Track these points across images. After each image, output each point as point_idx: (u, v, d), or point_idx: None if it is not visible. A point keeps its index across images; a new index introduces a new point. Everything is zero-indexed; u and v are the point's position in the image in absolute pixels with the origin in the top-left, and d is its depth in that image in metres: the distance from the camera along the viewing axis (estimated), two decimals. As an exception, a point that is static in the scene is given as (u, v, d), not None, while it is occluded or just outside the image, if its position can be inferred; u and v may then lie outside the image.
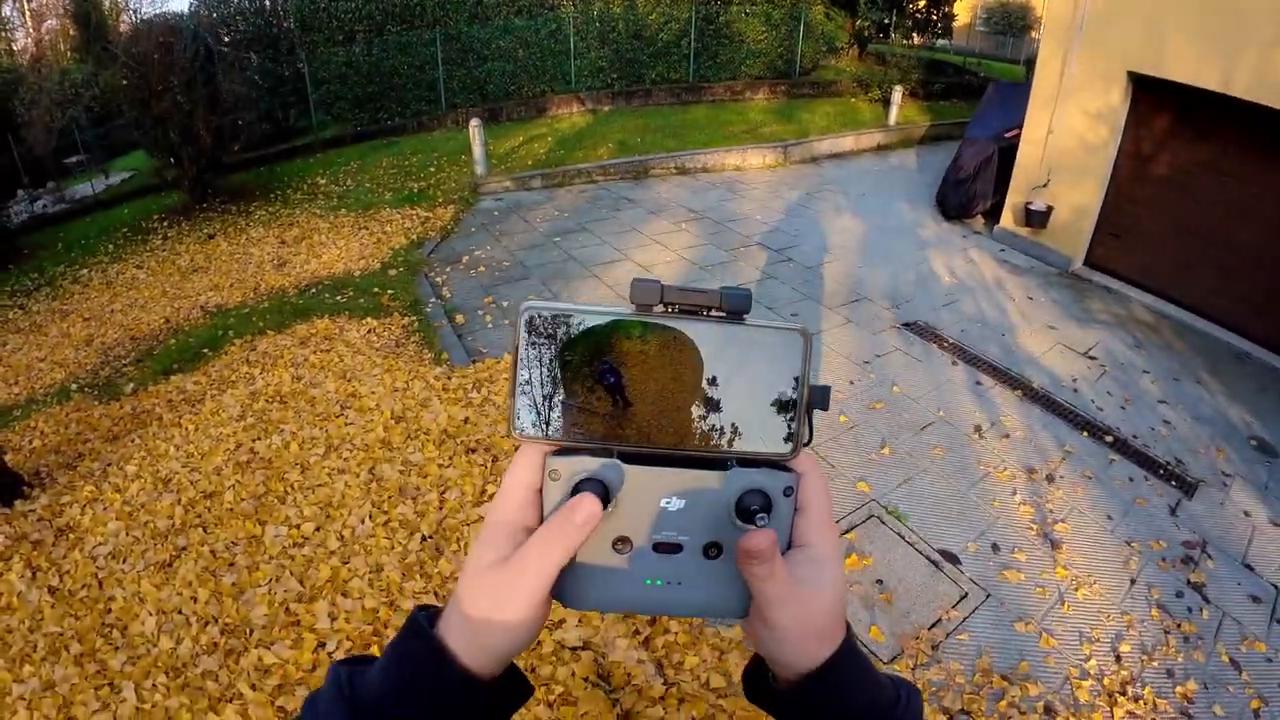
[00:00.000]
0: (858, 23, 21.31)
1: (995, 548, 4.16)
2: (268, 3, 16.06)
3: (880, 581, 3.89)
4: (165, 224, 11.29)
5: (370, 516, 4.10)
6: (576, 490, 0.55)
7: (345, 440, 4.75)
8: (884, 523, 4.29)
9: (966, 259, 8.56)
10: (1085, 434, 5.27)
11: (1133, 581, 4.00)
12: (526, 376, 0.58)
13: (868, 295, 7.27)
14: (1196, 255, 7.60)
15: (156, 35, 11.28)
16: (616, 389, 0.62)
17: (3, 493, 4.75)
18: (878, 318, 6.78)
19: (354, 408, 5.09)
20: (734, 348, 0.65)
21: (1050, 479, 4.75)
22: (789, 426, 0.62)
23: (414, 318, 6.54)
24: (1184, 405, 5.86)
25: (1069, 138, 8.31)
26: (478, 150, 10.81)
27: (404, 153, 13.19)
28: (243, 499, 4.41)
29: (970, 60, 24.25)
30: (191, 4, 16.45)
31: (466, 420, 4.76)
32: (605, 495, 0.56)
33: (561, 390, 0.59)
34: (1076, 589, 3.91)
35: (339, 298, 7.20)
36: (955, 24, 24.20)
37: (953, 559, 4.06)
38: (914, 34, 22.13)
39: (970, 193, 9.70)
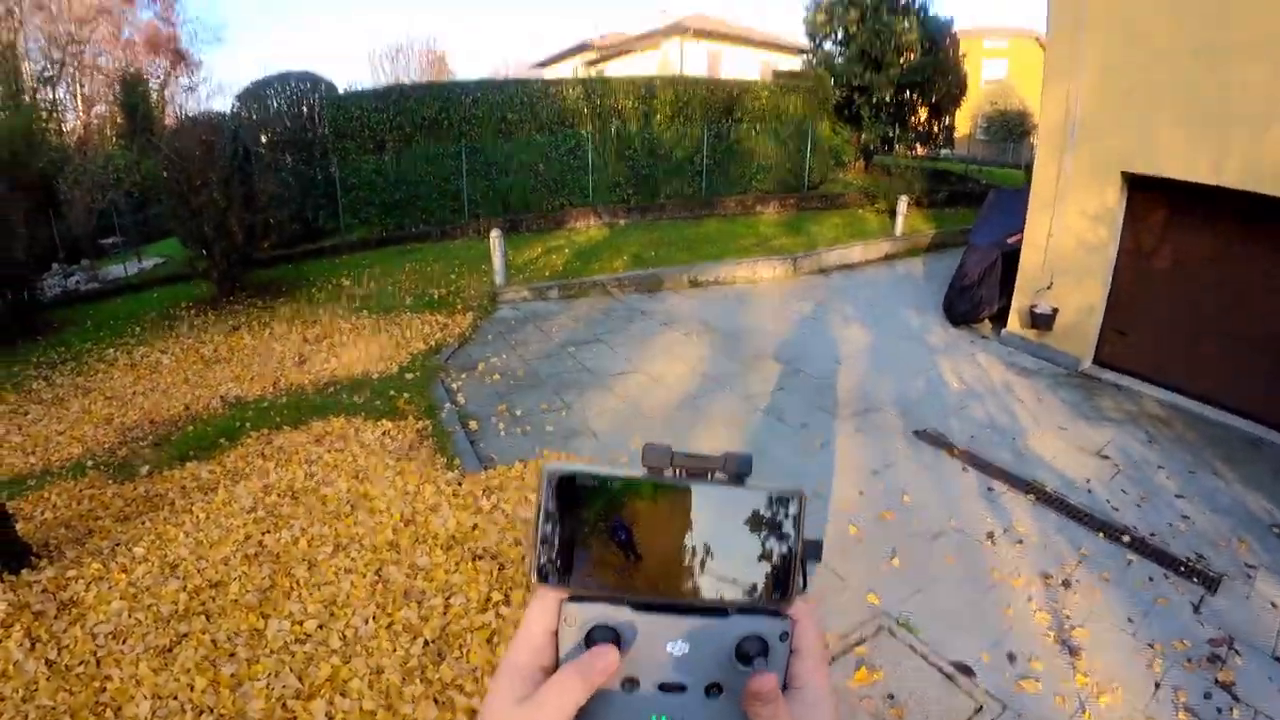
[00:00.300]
0: (863, 137, 22.57)
1: (1011, 657, 4.09)
2: (304, 109, 16.92)
3: (891, 696, 3.82)
4: (192, 312, 11.64)
5: (374, 618, 4.16)
6: (590, 636, 0.61)
7: (354, 540, 4.85)
8: (894, 635, 4.26)
9: (975, 364, 8.79)
10: (1101, 535, 5.24)
11: (1157, 685, 3.91)
12: (548, 529, 0.64)
13: (877, 404, 7.43)
14: (1204, 345, 7.77)
15: (199, 132, 11.94)
16: (628, 544, 0.67)
17: (10, 560, 4.78)
18: (887, 426, 6.91)
19: (364, 508, 5.21)
20: (736, 507, 0.70)
21: (1067, 584, 4.72)
22: (786, 578, 0.68)
23: (428, 422, 6.73)
24: (1201, 498, 5.87)
25: (1069, 239, 8.68)
26: (497, 260, 11.28)
27: (426, 259, 13.69)
28: (248, 591, 4.47)
29: (972, 168, 25.39)
30: (233, 105, 17.28)
31: (475, 527, 4.87)
32: (618, 641, 0.61)
33: (579, 543, 0.65)
34: (1098, 696, 3.83)
35: (356, 398, 7.42)
36: (956, 134, 25.38)
37: (967, 671, 3.99)
38: (917, 145, 23.22)
39: (976, 298, 10.05)
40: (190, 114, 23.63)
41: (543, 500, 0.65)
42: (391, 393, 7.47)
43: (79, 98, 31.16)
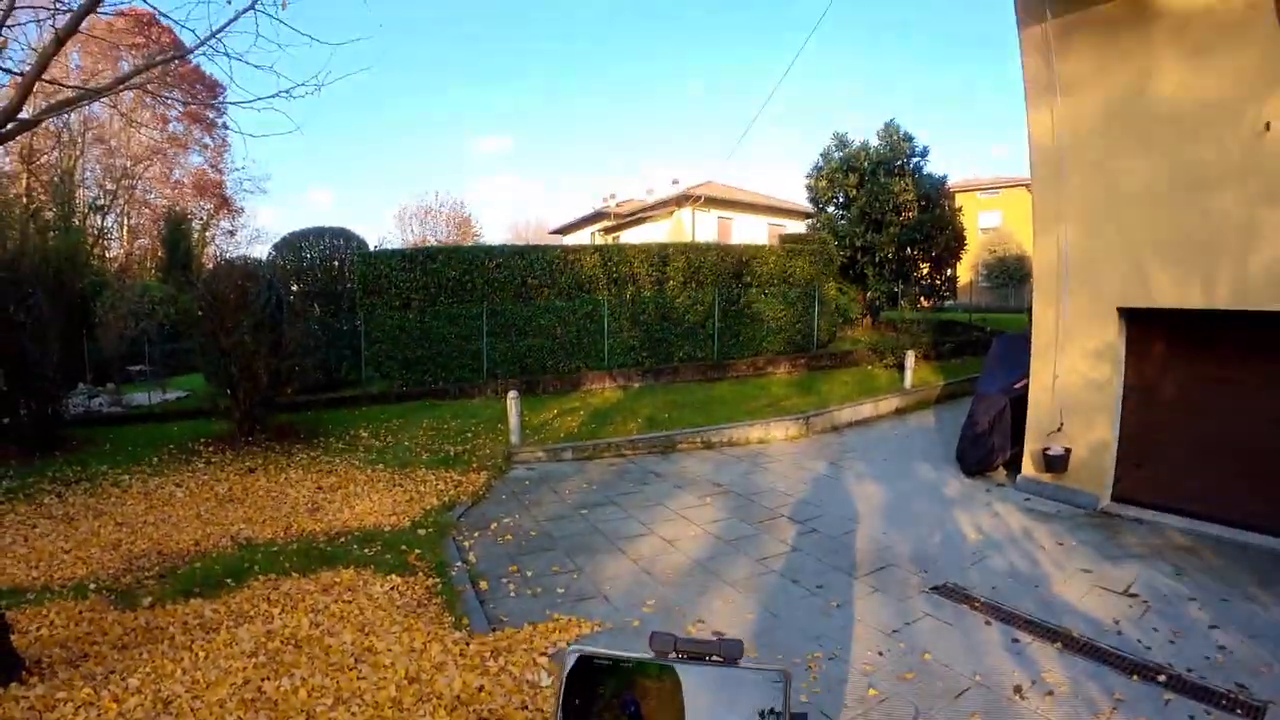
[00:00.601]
0: (869, 294, 23.33)
1: None
2: (336, 263, 17.85)
3: None
4: (210, 449, 11.78)
5: (370, 778, 4.04)
6: None
7: (356, 694, 4.75)
8: None
9: (992, 513, 8.69)
10: (1135, 677, 5.02)
11: None
12: (569, 706, 0.75)
13: (894, 561, 7.32)
14: (1221, 467, 7.71)
15: (236, 277, 12.48)
16: (637, 717, 0.78)
17: (1, 671, 4.68)
18: (905, 584, 6.78)
19: (368, 662, 5.12)
20: (730, 685, 0.81)
21: None
22: None
23: (438, 579, 6.69)
24: (1236, 625, 5.66)
25: (1075, 379, 8.84)
26: (513, 420, 11.52)
27: (444, 416, 13.97)
28: (242, 739, 4.36)
29: (976, 315, 25.99)
30: (270, 254, 18.14)
31: (482, 688, 4.78)
32: None
33: (595, 716, 0.75)
34: None
35: (367, 550, 7.41)
36: (959, 284, 26.05)
37: None
38: (921, 298, 23.81)
39: (989, 446, 10.07)
40: (229, 256, 24.95)
41: (563, 677, 0.76)
42: (403, 547, 7.47)
43: (125, 228, 32.87)
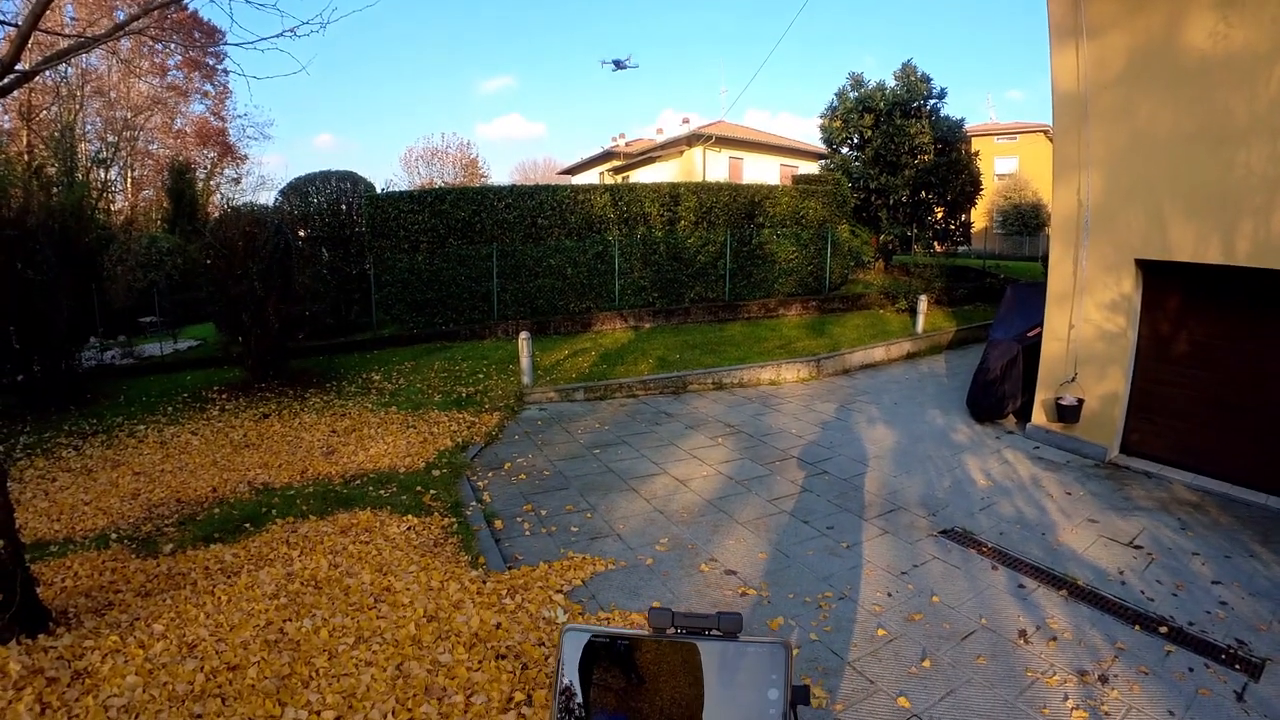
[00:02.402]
0: (882, 238, 23.12)
1: None
2: (344, 206, 17.62)
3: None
4: (224, 396, 11.85)
5: (393, 713, 4.10)
6: None
7: (375, 633, 4.82)
8: None
9: (1001, 460, 8.74)
10: (1137, 627, 5.11)
11: None
12: (567, 682, 0.75)
13: (904, 504, 7.38)
14: (1230, 425, 7.73)
15: (243, 224, 12.32)
16: (638, 693, 0.77)
17: (28, 623, 4.76)
18: (914, 527, 6.84)
19: (387, 601, 5.19)
20: (730, 658, 0.81)
21: (1104, 679, 4.56)
22: (779, 719, 0.77)
23: (454, 519, 6.75)
24: (1239, 582, 5.75)
25: (1089, 330, 8.78)
26: (525, 361, 11.50)
27: (455, 358, 13.98)
28: (266, 677, 4.41)
29: (990, 263, 25.72)
30: (276, 199, 17.94)
31: (499, 625, 4.84)
32: None
33: (595, 693, 0.75)
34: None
35: (382, 491, 7.47)
36: (973, 230, 25.73)
37: None
38: (935, 243, 23.57)
39: (1000, 394, 10.08)
40: (235, 204, 24.70)
41: (563, 658, 0.76)
42: (418, 488, 7.52)
43: (129, 181, 32.57)
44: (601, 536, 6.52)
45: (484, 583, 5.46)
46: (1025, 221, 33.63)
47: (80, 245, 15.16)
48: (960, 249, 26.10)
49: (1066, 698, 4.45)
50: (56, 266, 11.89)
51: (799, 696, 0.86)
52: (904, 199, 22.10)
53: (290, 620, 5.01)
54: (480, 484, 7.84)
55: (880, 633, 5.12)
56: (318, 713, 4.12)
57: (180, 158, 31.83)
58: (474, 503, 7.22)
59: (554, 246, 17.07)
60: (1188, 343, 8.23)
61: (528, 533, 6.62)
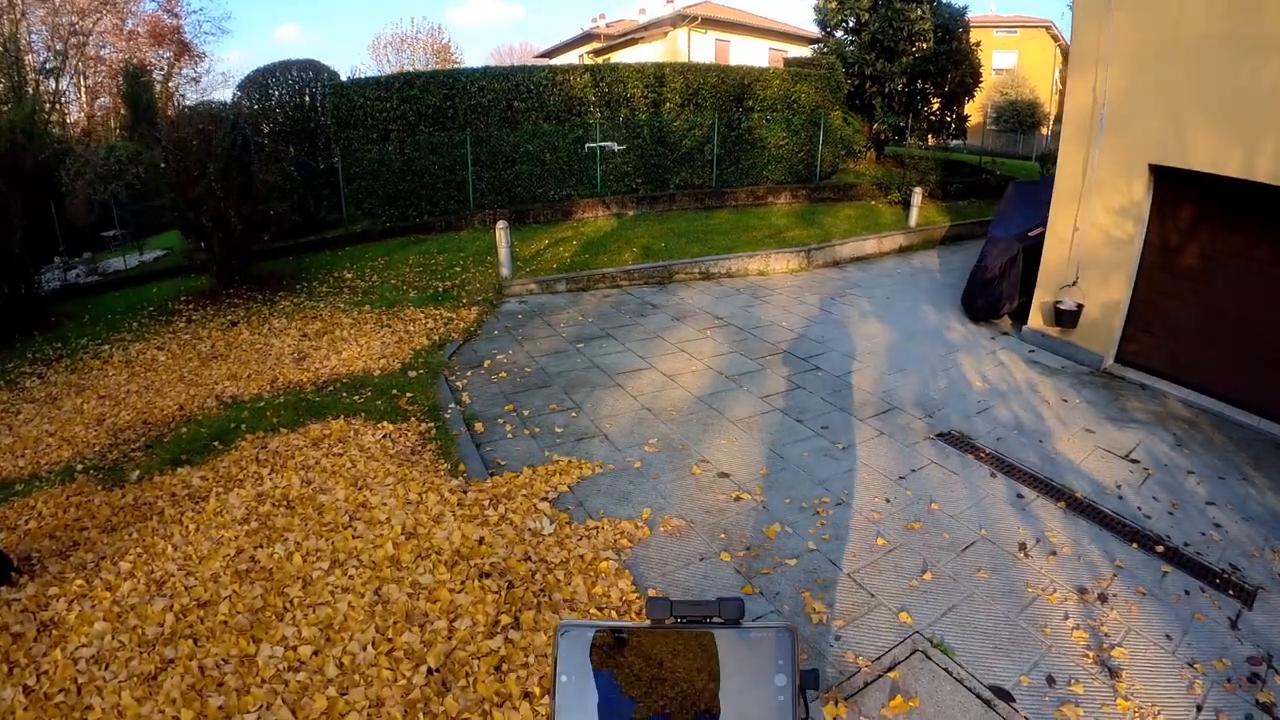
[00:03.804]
0: (875, 127, 22.10)
1: (1050, 680, 3.80)
2: (307, 98, 16.57)
3: (930, 726, 3.55)
4: (191, 307, 11.33)
5: (373, 643, 3.84)
6: None
7: (351, 555, 4.53)
8: (930, 658, 3.95)
9: (997, 362, 8.46)
10: (1135, 545, 4.97)
11: (1199, 708, 3.65)
12: (565, 679, 0.69)
13: (899, 404, 7.10)
14: (1230, 345, 7.48)
15: (198, 122, 11.58)
16: (639, 686, 0.72)
17: None
18: (910, 429, 6.59)
19: (363, 519, 4.89)
20: (735, 646, 0.78)
21: (1103, 598, 4.43)
22: (786, 708, 0.73)
23: (432, 424, 6.39)
24: (1233, 505, 5.60)
25: (1095, 233, 8.31)
26: (503, 252, 10.93)
27: (431, 251, 13.35)
28: (238, 611, 4.15)
29: (985, 159, 24.84)
30: (235, 95, 16.91)
31: (482, 540, 4.54)
32: None
33: (594, 689, 0.69)
34: (1141, 721, 3.57)
35: (356, 397, 7.09)
36: (968, 124, 24.84)
37: (1006, 696, 3.70)
38: (929, 136, 22.73)
39: (997, 293, 9.69)
40: (189, 104, 23.37)
41: (558, 652, 0.72)
42: (394, 391, 7.14)
43: (83, 90, 30.89)
44: (588, 437, 6.18)
45: (464, 492, 5.15)
46: (1021, 119, 32.39)
47: (35, 163, 14.34)
48: (954, 143, 25.01)
49: (1067, 616, 4.30)
50: (6, 188, 11.18)
51: (808, 681, 0.84)
52: (900, 87, 20.89)
53: (261, 547, 4.73)
54: (459, 384, 7.45)
55: (880, 541, 4.90)
56: (294, 648, 3.88)
57: (134, 60, 30.00)
58: (453, 405, 6.85)
59: (532, 131, 16.06)
60: (1196, 256, 7.76)
61: (510, 435, 6.27)
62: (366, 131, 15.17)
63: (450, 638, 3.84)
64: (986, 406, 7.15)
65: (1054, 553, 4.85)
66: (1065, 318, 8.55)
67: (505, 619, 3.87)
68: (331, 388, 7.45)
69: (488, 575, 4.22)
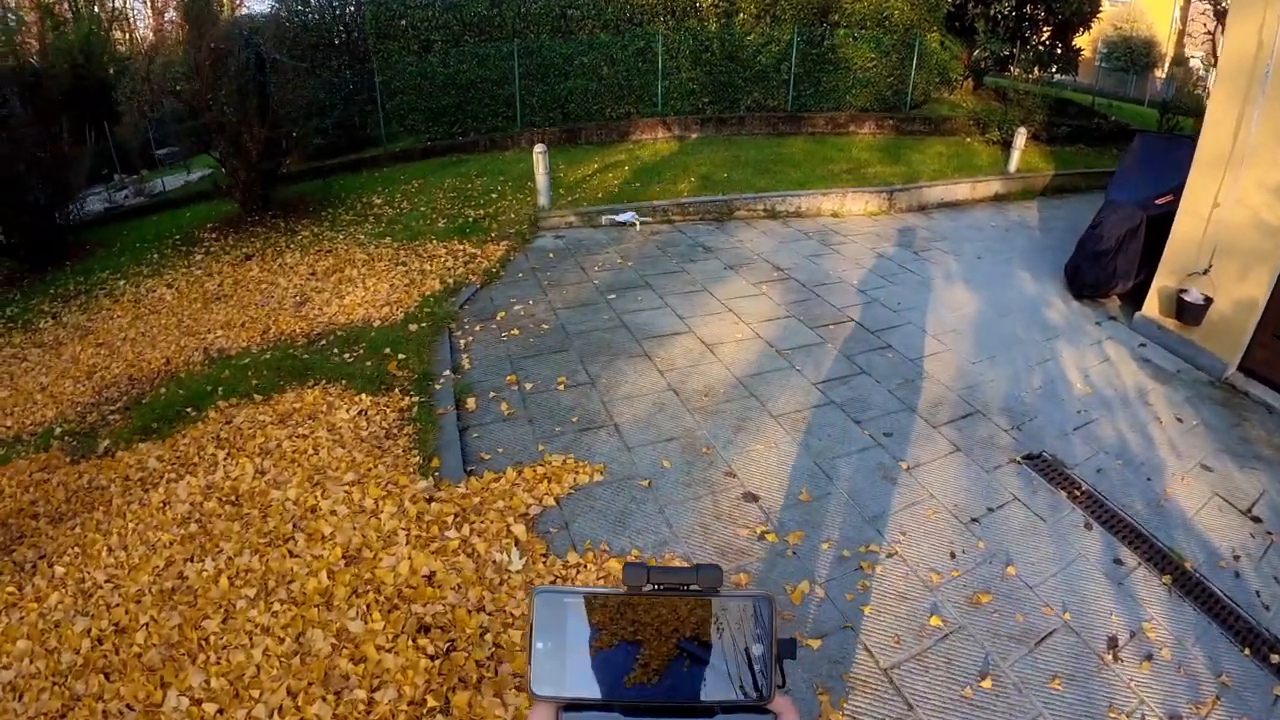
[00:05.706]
0: (975, 53, 19.44)
1: None
2: (351, 7, 15.68)
3: None
4: (214, 235, 10.81)
5: (280, 710, 3.11)
6: None
7: (283, 580, 3.79)
8: None
9: (1101, 355, 6.95)
10: (1247, 651, 3.65)
11: None
12: (541, 645, 0.70)
13: (982, 407, 5.78)
14: None
15: (210, 40, 10.83)
16: (616, 653, 0.72)
17: None
18: (994, 444, 5.29)
19: (306, 529, 4.13)
20: (713, 614, 0.76)
21: None
22: (764, 676, 0.73)
23: (418, 397, 5.54)
24: None
25: (1240, 213, 6.57)
26: (541, 179, 9.89)
27: (469, 174, 12.38)
28: (153, 644, 3.56)
29: (1099, 100, 21.96)
30: (273, 6, 16.06)
31: (432, 577, 3.70)
32: None
33: (571, 655, 0.70)
34: None
35: (346, 356, 6.31)
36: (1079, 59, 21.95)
37: None
38: (1034, 68, 20.01)
39: (1110, 269, 8.00)
40: (201, 19, 22.58)
41: (534, 619, 0.72)
42: (387, 350, 6.30)
43: (150, 5, 30.45)
44: (594, 427, 5.19)
45: (429, 501, 4.31)
46: (1135, 58, 28.36)
47: (94, 81, 13.94)
48: (1057, 78, 21.85)
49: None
50: (21, 112, 10.75)
51: (785, 650, 0.82)
52: (1008, 11, 18.13)
53: (192, 560, 4.10)
54: (462, 342, 6.54)
55: (934, 622, 3.71)
56: (199, 702, 3.22)
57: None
58: (448, 371, 5.94)
59: (587, 42, 14.62)
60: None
61: (504, 415, 5.34)
62: (407, 41, 14.12)
63: (368, 713, 3.07)
64: (1088, 420, 5.75)
65: (1150, 656, 3.60)
66: (1188, 311, 6.95)
67: (433, 700, 3.05)
68: (324, 342, 6.70)
69: (427, 630, 3.40)
